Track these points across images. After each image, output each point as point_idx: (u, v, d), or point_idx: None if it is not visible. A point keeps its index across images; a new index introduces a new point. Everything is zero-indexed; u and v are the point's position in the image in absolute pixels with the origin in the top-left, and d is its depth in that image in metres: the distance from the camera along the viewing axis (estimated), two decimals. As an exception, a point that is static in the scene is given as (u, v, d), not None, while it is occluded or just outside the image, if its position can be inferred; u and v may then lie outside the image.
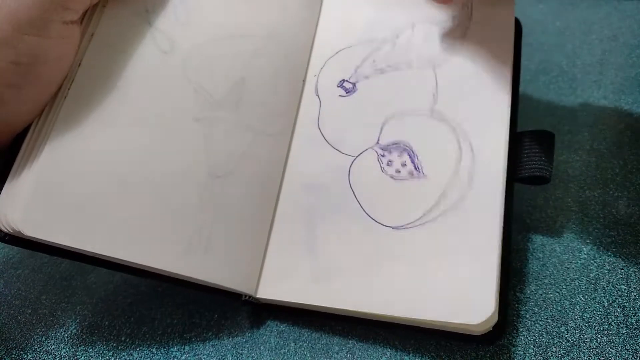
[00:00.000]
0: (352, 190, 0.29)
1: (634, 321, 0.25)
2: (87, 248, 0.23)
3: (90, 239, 0.23)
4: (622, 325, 0.22)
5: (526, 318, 0.26)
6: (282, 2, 0.33)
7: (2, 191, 0.23)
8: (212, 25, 0.29)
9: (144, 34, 0.27)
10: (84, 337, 0.29)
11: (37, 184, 0.22)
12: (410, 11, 0.32)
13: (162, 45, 0.27)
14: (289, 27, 0.33)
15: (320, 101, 0.32)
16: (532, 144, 0.27)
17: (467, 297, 0.24)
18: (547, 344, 0.25)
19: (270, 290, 0.27)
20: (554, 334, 0.26)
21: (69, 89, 0.24)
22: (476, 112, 0.28)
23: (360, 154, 0.29)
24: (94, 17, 0.26)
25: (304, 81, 0.32)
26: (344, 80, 0.31)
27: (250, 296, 0.27)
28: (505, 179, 0.26)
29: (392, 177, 0.28)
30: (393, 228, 0.27)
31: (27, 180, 0.22)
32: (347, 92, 0.30)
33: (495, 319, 0.23)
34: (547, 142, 0.27)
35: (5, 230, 0.23)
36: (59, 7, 0.23)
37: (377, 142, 0.29)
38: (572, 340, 0.25)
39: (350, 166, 0.29)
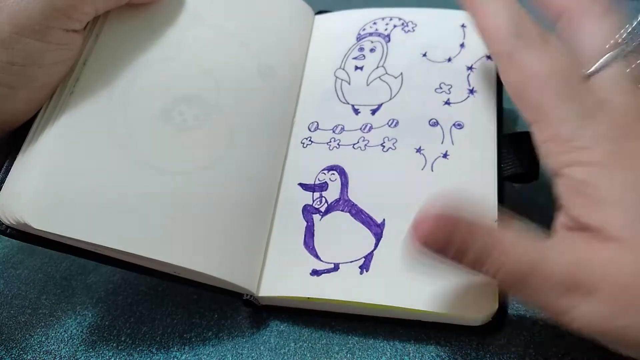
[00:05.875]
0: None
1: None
2: (96, 241, 0.22)
3: (98, 232, 0.22)
4: (622, 325, 0.22)
5: (526, 318, 0.26)
6: None
7: (4, 183, 0.23)
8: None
9: (147, 38, 0.27)
10: (84, 337, 0.29)
11: (45, 175, 0.22)
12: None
13: (165, 48, 0.27)
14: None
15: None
16: (510, 145, 0.28)
17: (467, 290, 0.24)
18: (547, 344, 0.25)
19: (272, 288, 0.27)
20: (554, 334, 0.26)
21: (74, 86, 0.24)
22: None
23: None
24: (99, 19, 0.26)
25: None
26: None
27: (251, 295, 0.27)
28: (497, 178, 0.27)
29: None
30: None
31: (33, 171, 0.22)
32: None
33: (496, 307, 0.24)
34: (525, 141, 0.27)
35: (7, 223, 0.22)
36: (62, 16, 0.23)
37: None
38: (572, 340, 0.25)
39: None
